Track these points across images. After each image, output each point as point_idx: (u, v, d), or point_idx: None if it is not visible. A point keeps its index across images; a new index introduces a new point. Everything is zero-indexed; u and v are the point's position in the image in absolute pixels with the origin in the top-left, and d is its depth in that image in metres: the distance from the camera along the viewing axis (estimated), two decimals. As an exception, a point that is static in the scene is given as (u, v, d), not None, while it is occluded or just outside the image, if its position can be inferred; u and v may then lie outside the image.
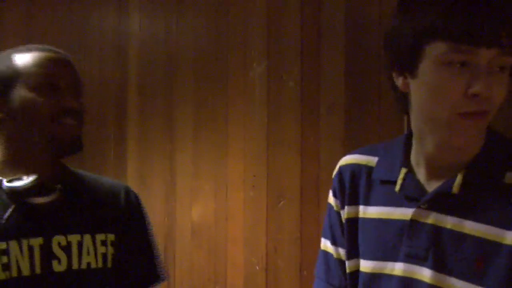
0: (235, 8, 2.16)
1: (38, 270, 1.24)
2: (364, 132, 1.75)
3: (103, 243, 1.34)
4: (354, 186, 1.24)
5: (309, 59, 1.90)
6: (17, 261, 1.23)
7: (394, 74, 1.10)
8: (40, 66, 1.30)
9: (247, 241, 2.08)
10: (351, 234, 1.24)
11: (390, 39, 1.08)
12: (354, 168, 1.25)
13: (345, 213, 1.25)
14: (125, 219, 1.41)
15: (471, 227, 1.08)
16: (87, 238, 1.32)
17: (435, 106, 1.03)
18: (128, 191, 1.46)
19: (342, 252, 1.27)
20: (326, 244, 1.31)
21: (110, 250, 1.35)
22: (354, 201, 1.24)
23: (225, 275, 2.18)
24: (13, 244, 1.23)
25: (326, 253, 1.31)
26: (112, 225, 1.38)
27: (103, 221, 1.37)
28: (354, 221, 1.24)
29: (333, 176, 1.29)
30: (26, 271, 1.23)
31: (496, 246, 1.05)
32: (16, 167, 1.29)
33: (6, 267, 1.21)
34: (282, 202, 1.97)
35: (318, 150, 1.87)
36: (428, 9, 1.00)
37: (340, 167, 1.28)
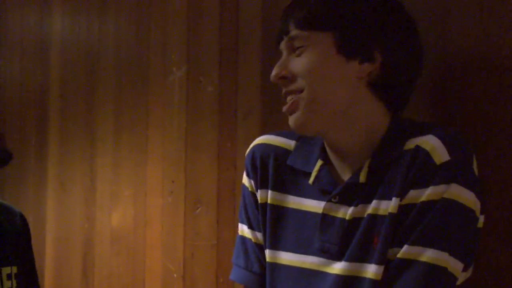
0: (156, 11, 2.13)
1: None
2: (279, 138, 1.74)
3: (9, 277, 1.28)
4: (264, 168, 1.21)
5: (227, 63, 1.89)
6: None
7: None
8: None
9: (165, 248, 2.05)
10: (264, 220, 1.20)
11: None
12: (266, 149, 1.22)
13: (258, 196, 1.22)
14: (22, 246, 1.37)
15: (368, 209, 1.07)
16: None
17: None
18: (22, 216, 1.42)
19: (259, 236, 1.23)
20: (243, 229, 1.27)
21: (14, 284, 1.30)
22: (265, 185, 1.20)
23: (143, 282, 2.14)
24: None
25: (243, 238, 1.26)
26: (14, 256, 1.33)
27: (7, 251, 1.32)
28: (265, 206, 1.20)
29: (245, 154, 1.26)
30: None
31: (382, 217, 1.04)
32: None
33: None
34: (199, 208, 1.95)
35: (235, 155, 1.85)
36: None
37: (253, 147, 1.25)
